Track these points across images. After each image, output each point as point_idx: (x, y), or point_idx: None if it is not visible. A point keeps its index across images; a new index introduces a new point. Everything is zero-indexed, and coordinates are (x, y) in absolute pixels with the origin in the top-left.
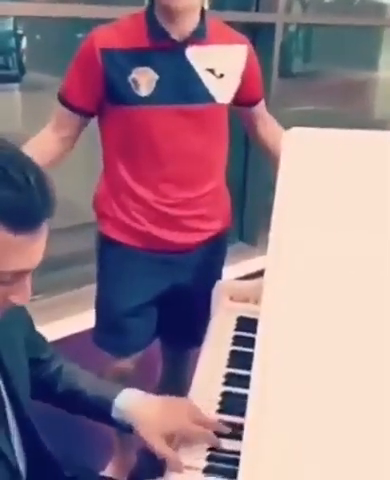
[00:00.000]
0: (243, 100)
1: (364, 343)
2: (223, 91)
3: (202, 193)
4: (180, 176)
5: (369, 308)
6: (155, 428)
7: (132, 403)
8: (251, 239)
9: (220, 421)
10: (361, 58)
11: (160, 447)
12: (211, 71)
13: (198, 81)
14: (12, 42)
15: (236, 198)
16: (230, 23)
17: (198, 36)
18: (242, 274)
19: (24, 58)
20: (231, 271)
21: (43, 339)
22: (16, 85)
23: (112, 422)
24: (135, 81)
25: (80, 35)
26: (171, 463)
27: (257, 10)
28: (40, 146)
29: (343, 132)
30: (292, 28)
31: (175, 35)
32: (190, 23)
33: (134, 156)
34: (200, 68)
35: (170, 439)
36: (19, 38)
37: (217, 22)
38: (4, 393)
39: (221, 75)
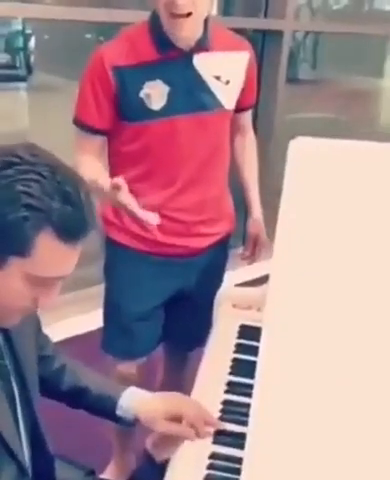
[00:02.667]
0: (236, 106)
1: (368, 351)
2: (229, 97)
3: (208, 197)
4: (189, 182)
5: (373, 317)
6: (158, 413)
7: (137, 399)
8: None
9: (221, 431)
10: (367, 65)
11: (166, 427)
12: (217, 78)
13: (207, 89)
14: (20, 42)
15: (240, 203)
16: (239, 29)
17: (203, 44)
18: (245, 279)
19: (32, 58)
20: (234, 276)
21: (46, 336)
22: (23, 85)
23: (116, 419)
24: (148, 96)
25: (88, 36)
26: (182, 432)
27: (266, 16)
28: (95, 168)
29: (348, 143)
30: (300, 34)
31: (181, 44)
32: (195, 30)
33: (145, 166)
34: (207, 76)
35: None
36: (27, 38)
37: (219, 28)
38: (16, 393)
39: (227, 81)
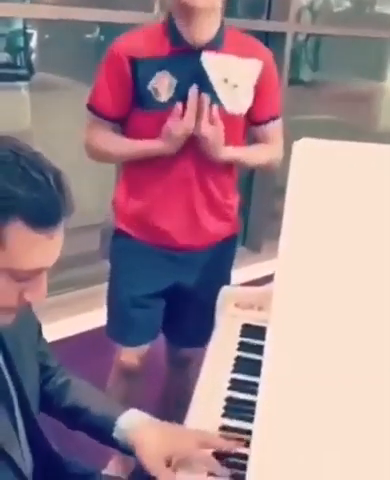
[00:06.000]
0: (250, 117)
1: (373, 351)
2: (234, 101)
3: (210, 196)
4: (192, 177)
5: (379, 317)
6: (155, 450)
7: (135, 423)
8: (255, 245)
9: (225, 428)
10: (369, 68)
11: (156, 468)
12: (225, 80)
13: (210, 88)
14: (21, 41)
15: (241, 204)
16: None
17: (214, 44)
18: (245, 280)
19: (33, 57)
20: (234, 276)
21: (50, 348)
22: (25, 84)
23: (113, 442)
24: (155, 88)
25: (89, 36)
26: (165, 477)
27: (268, 18)
28: (115, 137)
29: (352, 144)
30: (301, 36)
31: (192, 40)
32: (208, 28)
33: (153, 158)
34: (214, 75)
35: (170, 462)
36: (28, 37)
37: (238, 33)
38: (15, 399)
39: (235, 85)
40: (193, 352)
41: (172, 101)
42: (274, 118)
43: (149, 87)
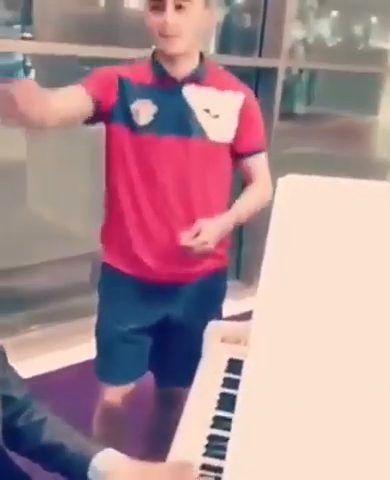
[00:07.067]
0: (234, 149)
1: (349, 391)
2: (217, 129)
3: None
4: (174, 207)
5: (356, 354)
6: None
7: (110, 463)
8: (248, 278)
9: (206, 467)
10: (362, 102)
11: None
12: (207, 110)
13: (192, 117)
14: (21, 73)
15: (234, 236)
16: (233, 67)
17: (196, 77)
18: (237, 312)
19: None
20: (227, 309)
21: (18, 379)
22: None
23: None
24: (137, 111)
25: (87, 68)
26: None
27: (260, 55)
28: (67, 102)
29: (339, 180)
30: (295, 70)
31: (174, 74)
32: (188, 65)
33: (133, 183)
34: (196, 106)
35: None
36: (27, 70)
37: (218, 69)
38: None
39: (216, 115)
40: (181, 391)
41: (150, 127)
42: (257, 152)
43: (132, 108)
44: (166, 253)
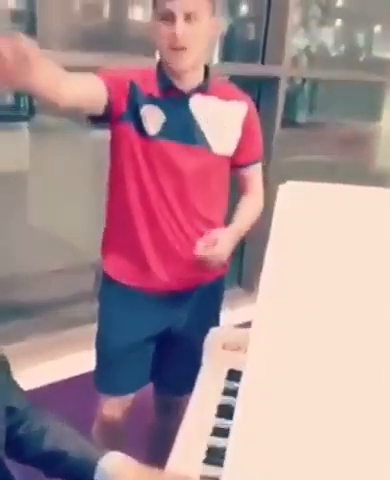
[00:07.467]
0: (234, 159)
1: (351, 399)
2: (221, 142)
3: (197, 236)
4: (177, 215)
5: (358, 364)
6: None
7: (117, 465)
8: (249, 285)
9: (205, 477)
10: (364, 110)
11: None
12: (212, 122)
13: (198, 128)
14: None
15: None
16: (236, 76)
17: (202, 87)
18: (239, 320)
19: (35, 100)
20: (229, 316)
21: (20, 389)
22: (25, 125)
23: None
24: (145, 118)
25: None
26: None
27: (262, 62)
28: (84, 84)
29: (338, 187)
30: (298, 79)
31: (181, 86)
32: (194, 78)
33: (146, 190)
34: (201, 118)
35: None
36: None
37: (221, 80)
38: None
39: (222, 127)
40: (182, 400)
41: (159, 136)
42: (256, 161)
43: (141, 113)
44: (175, 262)
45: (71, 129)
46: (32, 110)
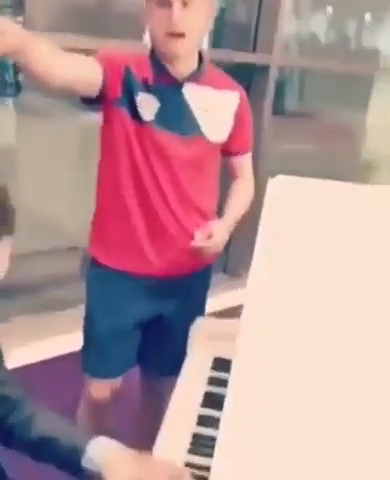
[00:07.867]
0: (226, 147)
1: (340, 386)
2: (214, 130)
3: (189, 222)
4: (169, 202)
5: (350, 354)
6: (125, 476)
7: (105, 450)
8: (235, 271)
9: (189, 465)
10: (352, 100)
11: None
12: (205, 110)
13: (192, 116)
14: (10, 60)
15: None
16: (227, 63)
17: (195, 76)
18: (224, 306)
19: (20, 76)
20: (214, 303)
21: (12, 377)
22: (11, 100)
23: (81, 472)
24: (140, 103)
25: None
26: None
27: (254, 50)
28: (78, 63)
29: (328, 183)
30: (288, 67)
31: (175, 74)
32: (189, 65)
33: (132, 172)
34: (195, 106)
35: None
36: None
37: (215, 69)
38: None
39: (215, 116)
40: (169, 381)
41: (154, 122)
42: (248, 150)
43: (136, 99)
44: (169, 247)
45: (57, 110)
46: (18, 87)
